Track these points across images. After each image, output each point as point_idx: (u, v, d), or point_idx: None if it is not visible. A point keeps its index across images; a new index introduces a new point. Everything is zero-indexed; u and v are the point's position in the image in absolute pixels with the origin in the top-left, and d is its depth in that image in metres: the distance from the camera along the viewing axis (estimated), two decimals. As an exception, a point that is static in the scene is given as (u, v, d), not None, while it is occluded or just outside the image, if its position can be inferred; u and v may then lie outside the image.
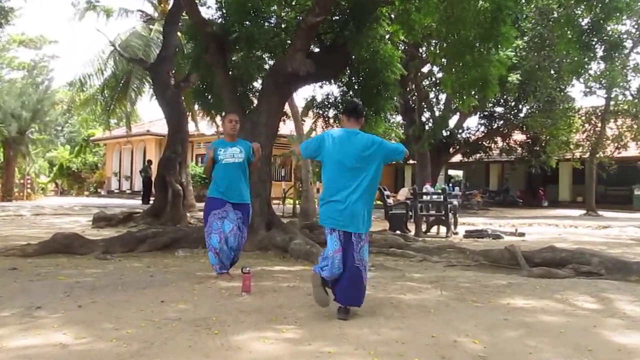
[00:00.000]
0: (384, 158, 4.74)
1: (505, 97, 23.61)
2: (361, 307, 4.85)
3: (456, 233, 13.65)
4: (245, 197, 6.50)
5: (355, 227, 4.67)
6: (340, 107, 12.71)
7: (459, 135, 26.59)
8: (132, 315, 4.65)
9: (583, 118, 25.26)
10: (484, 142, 27.29)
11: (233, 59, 11.19)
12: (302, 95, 42.26)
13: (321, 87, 14.36)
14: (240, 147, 6.59)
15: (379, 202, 27.28)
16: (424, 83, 24.63)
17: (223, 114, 12.23)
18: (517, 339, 4.12)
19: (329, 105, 13.19)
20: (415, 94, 24.34)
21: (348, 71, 11.62)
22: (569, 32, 11.21)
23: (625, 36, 19.44)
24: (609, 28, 12.30)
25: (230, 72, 10.76)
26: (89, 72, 20.97)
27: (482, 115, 26.36)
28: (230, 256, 6.47)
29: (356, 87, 11.81)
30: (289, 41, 10.56)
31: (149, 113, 77.53)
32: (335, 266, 4.64)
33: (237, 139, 6.69)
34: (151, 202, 18.46)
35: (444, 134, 25.40)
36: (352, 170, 4.65)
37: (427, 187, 14.96)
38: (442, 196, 13.85)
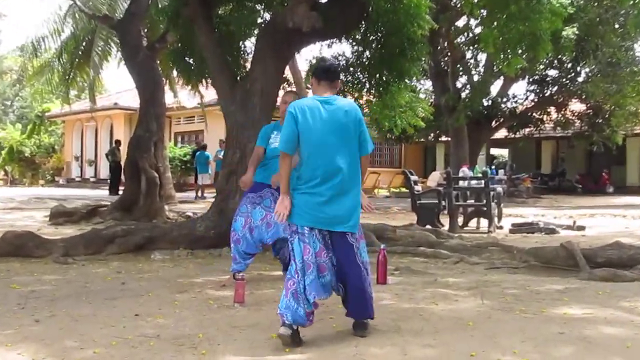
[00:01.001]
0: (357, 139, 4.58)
1: (559, 57, 23.41)
2: (383, 320, 4.86)
3: (500, 227, 13.62)
4: None
5: (351, 223, 4.53)
6: (354, 70, 12.66)
7: (503, 105, 26.46)
8: (100, 331, 4.68)
9: (655, 83, 25.01)
10: (534, 114, 27.14)
11: (220, 12, 11.16)
12: (305, 56, 42.50)
13: (330, 46, 14.38)
14: None
15: (404, 190, 27.27)
16: (458, 40, 24.49)
17: (209, 81, 12.27)
18: (574, 356, 4.13)
19: (339, 69, 13.14)
20: (449, 53, 24.21)
21: (363, 26, 11.57)
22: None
23: None
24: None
25: (216, 30, 10.73)
26: (43, 34, 20.96)
27: (531, 79, 26.20)
28: (255, 249, 6.79)
29: (374, 46, 11.74)
30: (289, -11, 10.52)
31: (117, 82, 77.61)
32: (326, 276, 4.46)
33: None
34: (120, 192, 18.52)
35: (485, 103, 25.28)
36: (333, 148, 4.47)
37: (465, 171, 14.94)
38: (482, 181, 13.82)
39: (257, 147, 6.93)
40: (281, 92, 11.28)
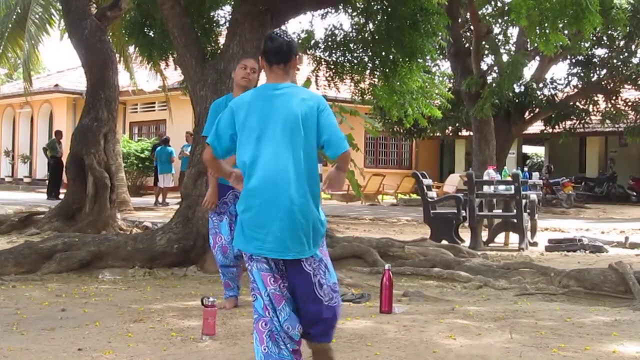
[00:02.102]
0: (317, 136, 4.32)
1: (609, 32, 23.50)
2: (387, 358, 4.85)
3: (534, 244, 13.64)
4: None
5: (303, 247, 4.26)
6: (354, 47, 12.65)
7: (538, 93, 26.50)
8: (34, 370, 4.66)
9: None
10: (577, 103, 27.18)
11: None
12: (293, 29, 42.13)
13: (323, 17, 14.33)
14: None
15: (415, 196, 27.20)
16: (484, 10, 24.54)
17: (174, 59, 12.24)
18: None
19: (336, 46, 13.16)
20: (471, 27, 24.25)
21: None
22: None
23: None
24: None
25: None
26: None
27: (574, 61, 26.25)
28: (230, 270, 6.85)
29: (379, 17, 11.76)
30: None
31: (59, 59, 77.64)
32: (282, 317, 4.25)
33: None
34: (62, 196, 18.47)
35: (516, 89, 25.31)
36: (284, 148, 4.25)
37: (490, 173, 14.91)
38: (512, 187, 13.84)
39: (205, 138, 6.88)
40: (263, 75, 11.33)
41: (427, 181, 14.79)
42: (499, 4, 24.23)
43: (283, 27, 14.43)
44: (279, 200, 4.19)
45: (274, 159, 4.22)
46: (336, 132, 4.32)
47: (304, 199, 4.23)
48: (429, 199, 14.21)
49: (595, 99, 27.20)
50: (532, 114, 26.67)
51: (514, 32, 25.41)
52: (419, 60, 12.08)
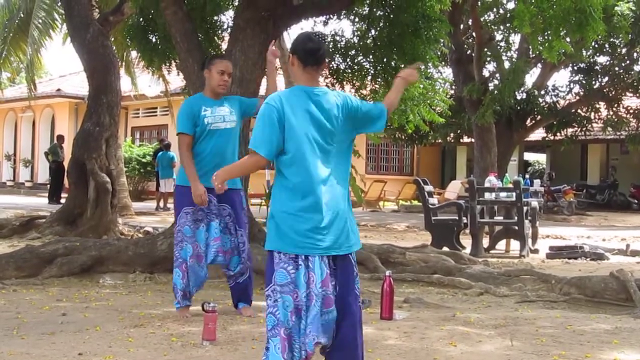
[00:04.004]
0: (357, 125, 4.47)
1: (611, 40, 23.50)
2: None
3: (535, 251, 13.63)
4: (235, 180, 6.62)
5: (352, 242, 4.35)
6: (355, 54, 12.66)
7: (540, 100, 26.48)
8: (34, 375, 4.66)
9: None
10: (578, 110, 27.18)
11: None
12: (294, 36, 41.90)
13: (326, 23, 14.32)
14: (229, 105, 6.79)
15: (416, 203, 27.19)
16: (486, 17, 24.55)
17: (176, 64, 12.25)
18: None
19: (338, 52, 13.16)
20: (473, 34, 24.25)
21: (369, -2, 11.63)
22: None
23: None
24: None
25: (185, 1, 10.74)
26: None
27: (576, 68, 26.25)
28: (201, 280, 6.77)
29: (381, 24, 11.76)
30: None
31: (61, 64, 77.66)
32: (329, 318, 4.19)
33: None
34: (63, 200, 18.48)
35: (518, 96, 25.29)
36: (328, 151, 4.31)
37: (492, 180, 14.89)
38: (514, 194, 13.84)
39: (181, 135, 6.70)
40: (264, 81, 11.32)
41: (429, 188, 14.79)
42: (501, 11, 24.24)
43: (286, 33, 14.47)
44: (332, 200, 4.25)
45: (324, 159, 4.28)
46: (371, 108, 4.55)
47: (348, 198, 4.36)
48: (430, 206, 14.20)
49: (597, 106, 27.18)
50: (533, 121, 26.65)
51: (516, 39, 25.38)
52: (421, 66, 12.07)
